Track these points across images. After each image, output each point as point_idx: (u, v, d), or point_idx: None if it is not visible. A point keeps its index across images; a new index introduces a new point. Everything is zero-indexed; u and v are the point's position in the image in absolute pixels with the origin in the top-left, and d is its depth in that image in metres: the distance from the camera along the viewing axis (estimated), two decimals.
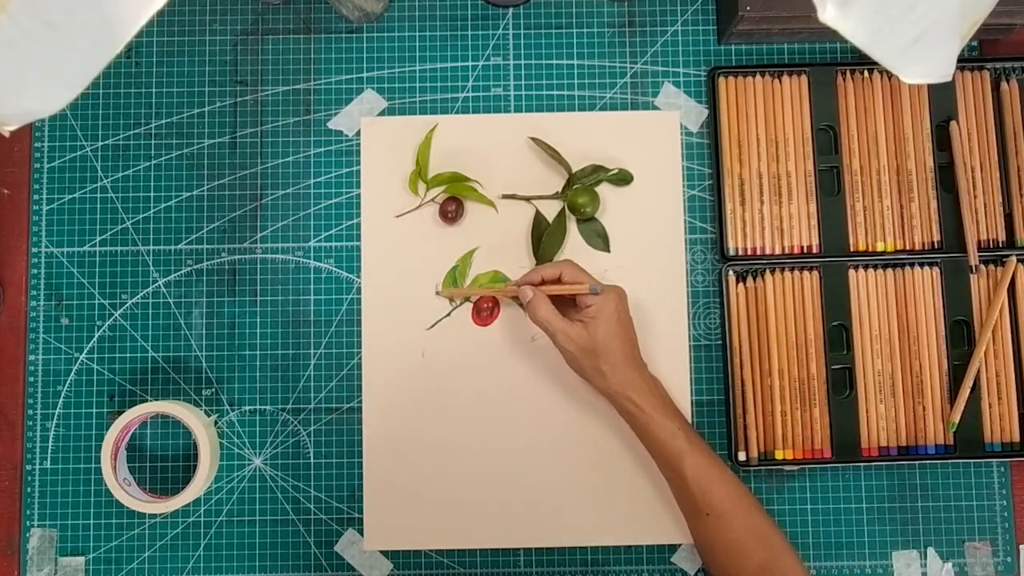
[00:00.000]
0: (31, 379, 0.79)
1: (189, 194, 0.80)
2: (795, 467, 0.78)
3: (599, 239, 0.79)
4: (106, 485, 0.74)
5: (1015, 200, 0.78)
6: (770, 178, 0.79)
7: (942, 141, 0.80)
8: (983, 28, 0.53)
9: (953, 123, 0.79)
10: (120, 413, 0.76)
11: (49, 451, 0.78)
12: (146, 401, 0.78)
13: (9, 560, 0.77)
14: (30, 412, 0.78)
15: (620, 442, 0.77)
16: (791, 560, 0.68)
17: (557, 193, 0.80)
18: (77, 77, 0.43)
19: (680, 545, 0.77)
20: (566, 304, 0.73)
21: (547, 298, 0.72)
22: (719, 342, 0.79)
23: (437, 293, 0.79)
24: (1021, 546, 0.78)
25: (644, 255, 0.80)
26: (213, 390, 0.79)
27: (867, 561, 0.78)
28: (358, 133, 0.81)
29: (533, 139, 0.79)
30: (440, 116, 0.81)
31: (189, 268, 0.80)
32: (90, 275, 0.80)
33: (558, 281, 0.73)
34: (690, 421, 0.78)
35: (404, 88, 0.81)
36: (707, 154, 0.81)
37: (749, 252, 0.79)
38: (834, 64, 0.81)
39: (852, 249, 0.78)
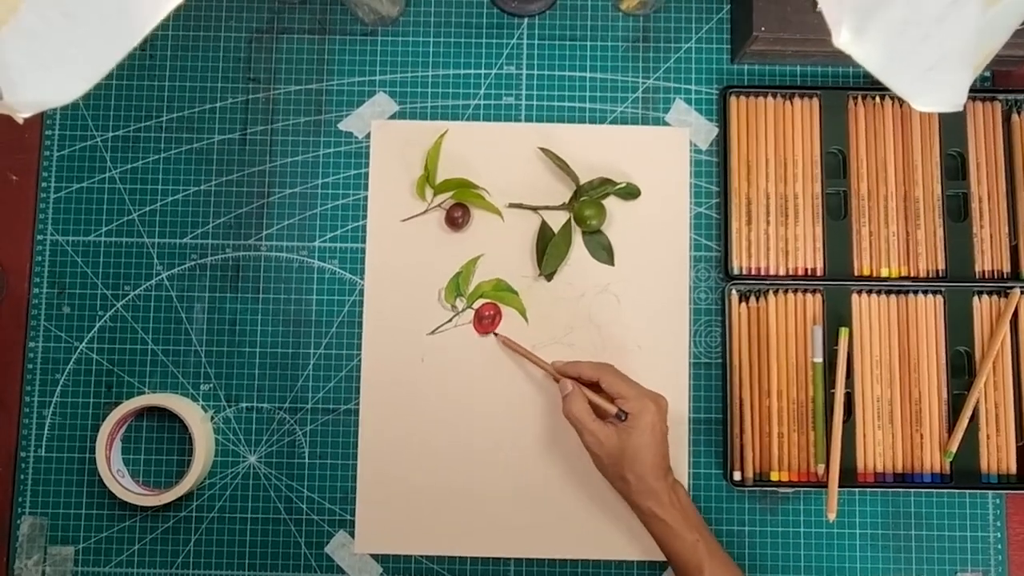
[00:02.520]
0: (30, 366, 0.79)
1: (196, 189, 0.81)
2: (790, 489, 0.77)
3: (604, 252, 0.79)
4: (99, 476, 0.74)
5: (1021, 232, 0.78)
6: (777, 199, 0.79)
7: (951, 170, 0.80)
8: (996, 59, 0.53)
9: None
10: (117, 404, 0.76)
11: (44, 439, 0.78)
12: (143, 393, 0.78)
13: None
14: (27, 399, 0.78)
15: None
16: None
17: (564, 204, 0.80)
18: (93, 68, 0.43)
19: None
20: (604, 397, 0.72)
21: (584, 396, 0.71)
22: (719, 360, 0.79)
23: (495, 334, 0.78)
24: None
25: (648, 270, 0.80)
26: (211, 385, 0.79)
27: None
28: (368, 136, 0.81)
29: (542, 149, 0.80)
30: (451, 122, 0.81)
31: (193, 263, 0.80)
32: (94, 265, 0.80)
33: (596, 384, 0.72)
34: (687, 437, 0.78)
35: (416, 93, 0.82)
36: (715, 172, 0.81)
37: (753, 272, 0.79)
38: (846, 88, 0.81)
39: (856, 273, 0.78)
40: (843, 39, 0.45)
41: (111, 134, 0.81)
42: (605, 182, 0.80)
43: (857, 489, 0.77)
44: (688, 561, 0.68)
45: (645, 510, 0.69)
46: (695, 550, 0.68)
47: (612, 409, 0.70)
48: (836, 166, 0.80)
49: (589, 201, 0.78)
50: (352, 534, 0.77)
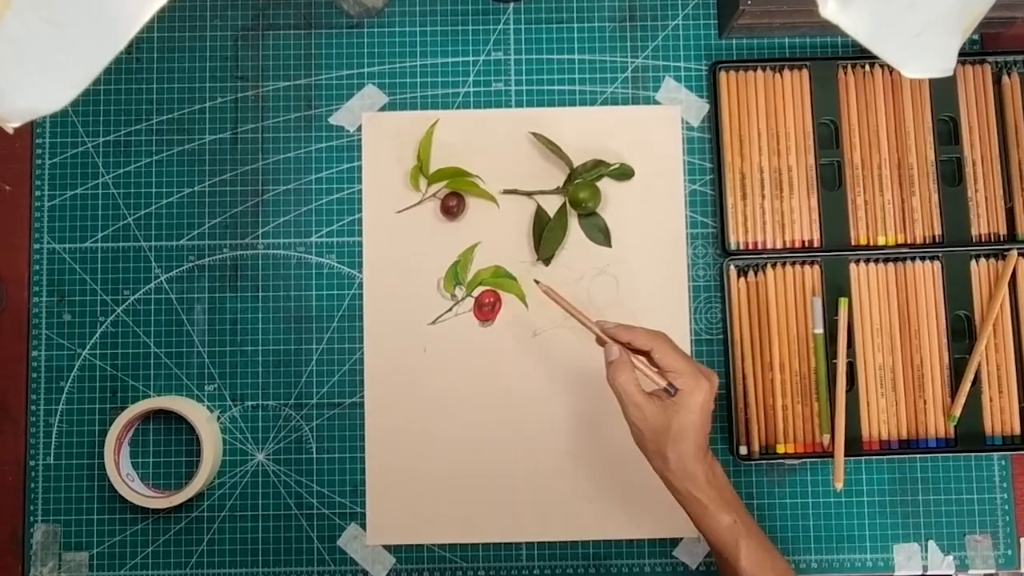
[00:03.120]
0: (34, 375, 0.79)
1: (191, 190, 0.80)
2: (796, 460, 0.78)
3: (600, 234, 0.79)
4: (109, 481, 0.75)
5: (1016, 193, 0.78)
6: (771, 172, 0.79)
7: (943, 135, 0.80)
8: (984, 22, 0.53)
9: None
10: (123, 409, 0.76)
11: (52, 447, 0.78)
12: (148, 397, 0.78)
13: (13, 556, 0.78)
14: (33, 408, 0.79)
15: (621, 436, 0.77)
16: None
17: (558, 188, 0.80)
18: (80, 74, 0.43)
19: (682, 539, 0.78)
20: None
21: (632, 365, 0.66)
22: (720, 336, 0.79)
23: (536, 281, 0.72)
24: (1022, 539, 0.78)
25: (645, 250, 0.80)
26: (215, 386, 0.79)
27: (868, 554, 0.78)
28: (359, 128, 0.81)
29: (534, 134, 0.79)
30: (441, 111, 0.81)
31: (191, 264, 0.80)
32: (92, 271, 0.80)
33: (647, 353, 0.67)
34: None
35: (405, 83, 0.81)
36: (708, 148, 0.81)
37: (750, 246, 0.79)
38: (835, 58, 0.81)
39: (853, 243, 0.79)
40: (830, 9, 0.45)
41: (102, 139, 0.81)
42: (598, 164, 0.79)
43: (863, 457, 0.78)
44: (725, 542, 0.66)
45: (682, 490, 0.67)
46: (731, 531, 0.66)
47: (662, 382, 0.65)
48: (828, 137, 0.80)
49: (583, 184, 0.78)
50: (364, 526, 0.78)
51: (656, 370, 0.66)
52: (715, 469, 0.67)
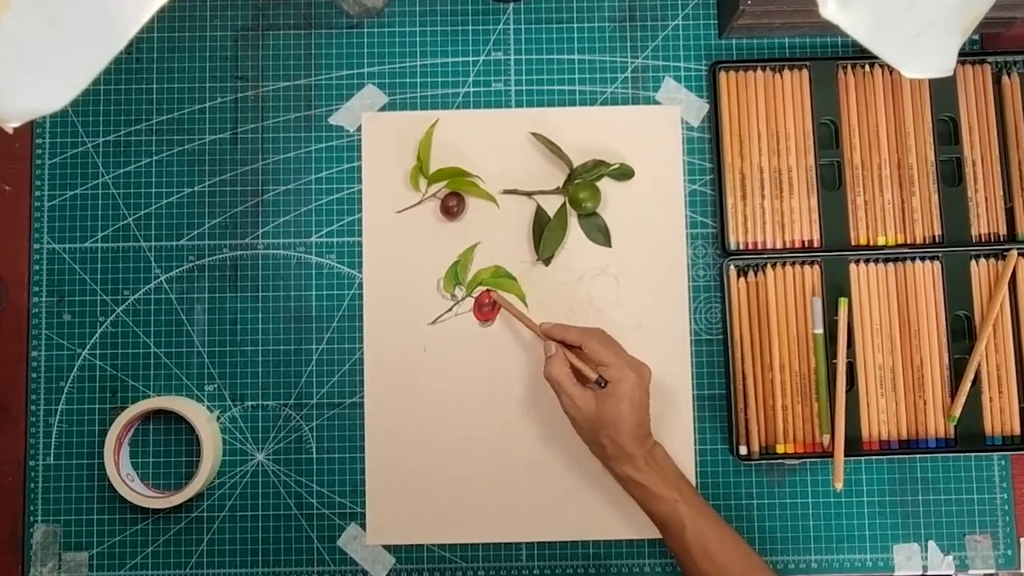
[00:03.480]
0: (34, 375, 0.79)
1: (191, 190, 0.80)
2: (796, 461, 0.78)
3: (600, 234, 0.79)
4: (109, 481, 0.75)
5: (1016, 194, 0.78)
6: (771, 172, 0.79)
7: (943, 135, 0.80)
8: (984, 22, 0.53)
9: None
10: (123, 409, 0.76)
11: (52, 447, 0.78)
12: (148, 397, 0.78)
13: (13, 556, 0.78)
14: (33, 408, 0.79)
15: None
16: None
17: (558, 188, 0.80)
18: (80, 74, 0.43)
19: None
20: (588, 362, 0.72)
21: (565, 359, 0.72)
22: (720, 336, 0.79)
23: (488, 290, 0.79)
24: (1022, 539, 0.78)
25: (645, 250, 0.80)
26: (215, 386, 0.79)
27: (868, 555, 0.78)
28: (359, 129, 0.81)
29: (534, 134, 0.79)
30: (441, 111, 0.81)
31: (191, 264, 0.80)
32: (92, 271, 0.80)
33: (580, 348, 0.72)
34: (691, 414, 0.78)
35: (405, 83, 0.81)
36: (708, 148, 0.81)
37: (750, 246, 0.79)
38: (835, 58, 0.81)
39: (853, 243, 0.79)
40: (830, 9, 0.45)
41: (102, 139, 0.81)
42: (598, 164, 0.79)
43: (863, 457, 0.78)
44: (670, 521, 0.69)
45: (621, 474, 0.71)
46: (674, 509, 0.69)
47: (592, 375, 0.70)
48: (828, 137, 0.80)
49: (583, 184, 0.78)
50: (363, 526, 0.78)
51: (589, 364, 0.71)
52: (656, 453, 0.71)
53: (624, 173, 0.80)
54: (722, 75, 0.80)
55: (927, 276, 0.78)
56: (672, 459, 0.72)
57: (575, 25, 0.82)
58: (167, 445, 0.79)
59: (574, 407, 0.70)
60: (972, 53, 0.81)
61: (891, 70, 0.80)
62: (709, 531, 0.69)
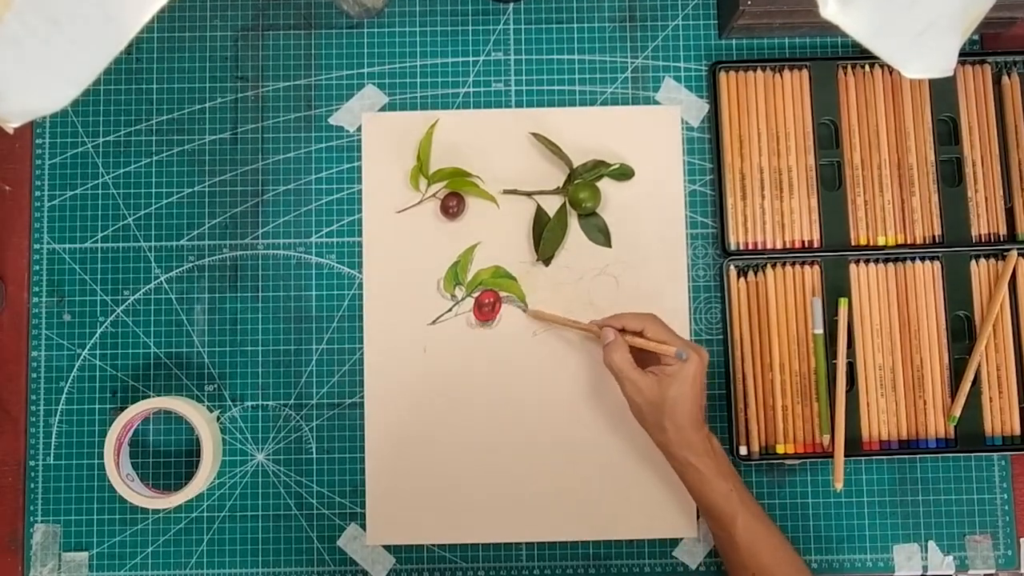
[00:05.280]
0: (34, 375, 0.79)
1: (191, 190, 0.80)
2: (796, 461, 0.78)
3: (600, 234, 0.79)
4: (109, 481, 0.74)
5: (1016, 194, 0.79)
6: (771, 173, 0.79)
7: (943, 135, 0.80)
8: (984, 22, 0.53)
9: None
10: (123, 409, 0.76)
11: (52, 447, 0.78)
12: (148, 397, 0.78)
13: (13, 556, 0.78)
14: (33, 408, 0.79)
15: (622, 437, 0.78)
16: None
17: (558, 188, 0.80)
18: (81, 74, 0.43)
19: (682, 539, 0.78)
20: (645, 353, 0.72)
21: (625, 345, 0.71)
22: (720, 336, 0.79)
23: (525, 311, 0.79)
24: (1022, 539, 0.78)
25: (645, 250, 0.80)
26: (215, 386, 0.79)
27: (868, 555, 0.78)
28: (359, 129, 0.81)
29: (534, 134, 0.79)
30: (441, 111, 0.81)
31: (191, 264, 0.80)
32: (92, 271, 0.80)
33: (640, 334, 0.71)
34: None
35: (405, 83, 0.81)
36: (708, 149, 0.81)
37: (750, 246, 0.79)
38: (835, 58, 0.81)
39: (853, 243, 0.79)
40: (830, 10, 0.45)
41: (102, 140, 0.81)
42: (598, 164, 0.79)
43: (863, 458, 0.78)
44: (723, 510, 0.69)
45: (681, 459, 0.70)
46: (728, 499, 0.69)
47: (670, 350, 0.69)
48: (828, 137, 0.80)
49: (583, 184, 0.78)
50: (363, 527, 0.78)
51: (653, 343, 0.70)
52: (712, 441, 0.71)
53: (624, 173, 0.80)
54: (722, 75, 0.80)
55: (927, 276, 0.78)
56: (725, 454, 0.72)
57: (575, 25, 0.82)
58: (167, 445, 0.79)
59: (637, 391, 0.69)
60: (972, 53, 0.81)
61: (891, 70, 0.80)
62: (759, 528, 0.69)
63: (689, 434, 0.69)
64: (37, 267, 0.80)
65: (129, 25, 0.42)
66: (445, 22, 0.82)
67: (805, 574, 0.69)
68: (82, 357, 0.79)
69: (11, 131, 0.45)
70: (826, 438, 0.76)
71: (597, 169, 0.79)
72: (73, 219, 0.80)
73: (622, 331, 0.72)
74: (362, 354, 0.79)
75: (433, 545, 0.78)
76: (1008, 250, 0.78)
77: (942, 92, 0.80)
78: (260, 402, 0.79)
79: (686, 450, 0.69)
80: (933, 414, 0.77)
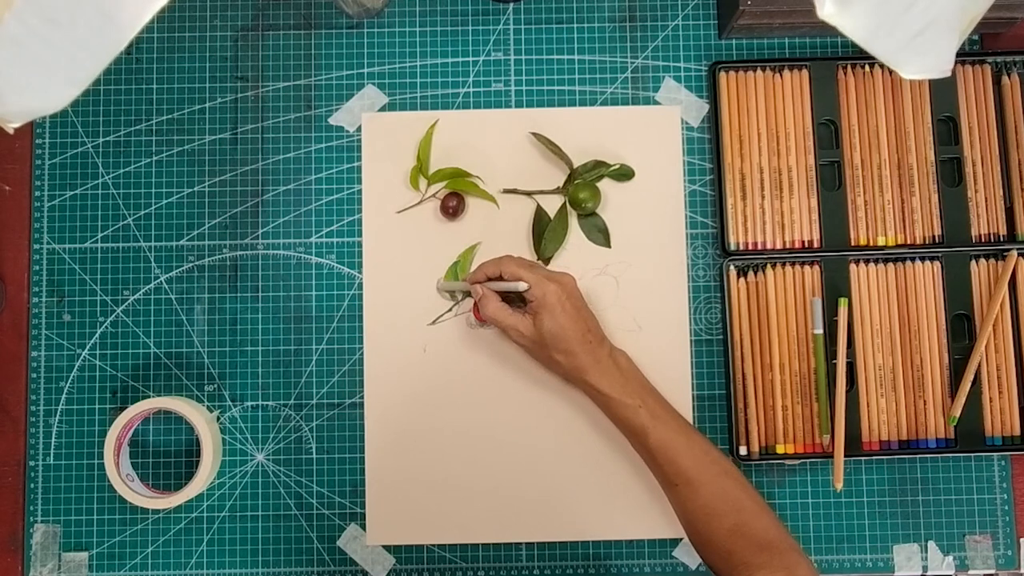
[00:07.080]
0: (34, 375, 0.79)
1: (191, 190, 0.80)
2: (796, 461, 0.78)
3: (600, 234, 0.79)
4: (109, 481, 0.74)
5: (1016, 194, 0.79)
6: (771, 173, 0.79)
7: (943, 135, 0.80)
8: (984, 22, 0.53)
9: None
10: (123, 409, 0.76)
11: (52, 447, 0.78)
12: (148, 397, 0.78)
13: (13, 556, 0.78)
14: (33, 408, 0.79)
15: (621, 436, 0.77)
16: (763, 520, 0.67)
17: (558, 188, 0.80)
18: (81, 75, 0.43)
19: (682, 539, 0.78)
20: (520, 298, 0.73)
21: (495, 294, 0.73)
22: (720, 336, 0.79)
23: (437, 289, 0.79)
24: (1022, 539, 0.78)
25: (645, 250, 0.80)
26: (215, 386, 0.79)
27: (868, 555, 0.78)
28: (359, 129, 0.81)
29: (534, 134, 0.80)
30: (441, 112, 0.81)
31: (191, 264, 0.80)
32: (92, 271, 0.80)
33: (500, 278, 0.73)
34: (691, 415, 0.78)
35: (405, 84, 0.81)
36: (708, 149, 0.81)
37: (750, 247, 0.79)
38: (835, 59, 0.81)
39: (853, 243, 0.79)
40: (827, 11, 0.45)
41: (101, 140, 0.81)
42: (598, 164, 0.80)
43: (863, 458, 0.78)
44: (633, 426, 0.70)
45: (581, 385, 0.71)
46: (636, 415, 0.70)
47: (521, 285, 0.70)
48: (828, 137, 0.80)
49: (583, 184, 0.78)
50: (363, 527, 0.78)
51: (509, 283, 0.71)
52: (617, 359, 0.72)
53: (624, 173, 0.80)
54: (722, 75, 0.80)
55: (927, 276, 0.78)
56: (638, 368, 0.73)
57: (575, 25, 0.82)
58: (167, 445, 0.79)
59: (519, 335, 0.71)
60: (972, 53, 0.81)
61: (891, 70, 0.80)
62: (674, 438, 0.69)
63: (583, 359, 0.70)
64: (37, 267, 0.80)
65: (129, 24, 0.43)
66: (445, 22, 0.82)
67: (734, 477, 0.69)
68: (82, 357, 0.79)
69: (11, 131, 0.45)
70: (826, 438, 0.76)
71: (597, 169, 0.79)
72: (73, 219, 0.80)
73: (486, 282, 0.73)
74: (362, 354, 0.79)
75: (433, 545, 0.78)
76: (1008, 250, 0.78)
77: (942, 92, 0.80)
78: (260, 402, 0.79)
79: (584, 374, 0.70)
80: (933, 414, 0.77)
